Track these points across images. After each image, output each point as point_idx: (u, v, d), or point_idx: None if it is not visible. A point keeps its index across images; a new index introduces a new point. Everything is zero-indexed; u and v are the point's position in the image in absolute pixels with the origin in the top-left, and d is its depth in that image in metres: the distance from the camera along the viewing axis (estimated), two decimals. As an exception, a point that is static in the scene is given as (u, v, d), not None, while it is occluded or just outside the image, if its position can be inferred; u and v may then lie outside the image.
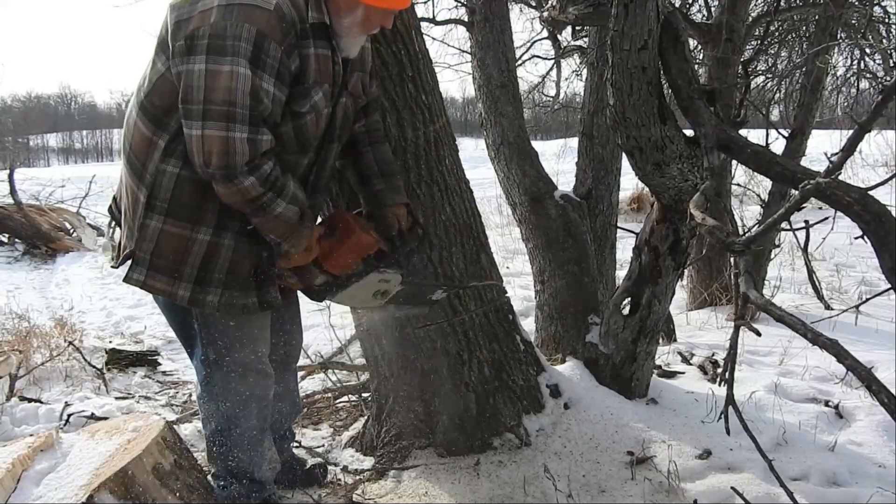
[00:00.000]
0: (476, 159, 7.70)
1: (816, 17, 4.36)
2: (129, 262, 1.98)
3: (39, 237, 7.84)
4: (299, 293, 2.25)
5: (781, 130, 3.39)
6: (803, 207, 1.64)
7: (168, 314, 2.19)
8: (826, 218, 1.99)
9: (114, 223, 2.16)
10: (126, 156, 1.98)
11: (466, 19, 3.80)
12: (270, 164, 1.84)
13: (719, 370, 3.30)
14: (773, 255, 4.69)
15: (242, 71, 1.72)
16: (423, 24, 4.22)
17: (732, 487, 2.05)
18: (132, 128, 1.95)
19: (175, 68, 1.79)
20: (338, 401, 3.25)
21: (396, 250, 2.14)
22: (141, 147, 1.92)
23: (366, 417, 2.86)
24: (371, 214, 2.20)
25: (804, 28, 5.34)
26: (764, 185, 5.93)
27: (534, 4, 5.70)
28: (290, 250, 1.97)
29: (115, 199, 2.14)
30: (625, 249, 3.60)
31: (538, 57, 7.44)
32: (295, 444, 2.81)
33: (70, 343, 3.96)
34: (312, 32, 1.85)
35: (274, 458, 2.29)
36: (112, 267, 2.10)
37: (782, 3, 4.98)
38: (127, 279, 1.97)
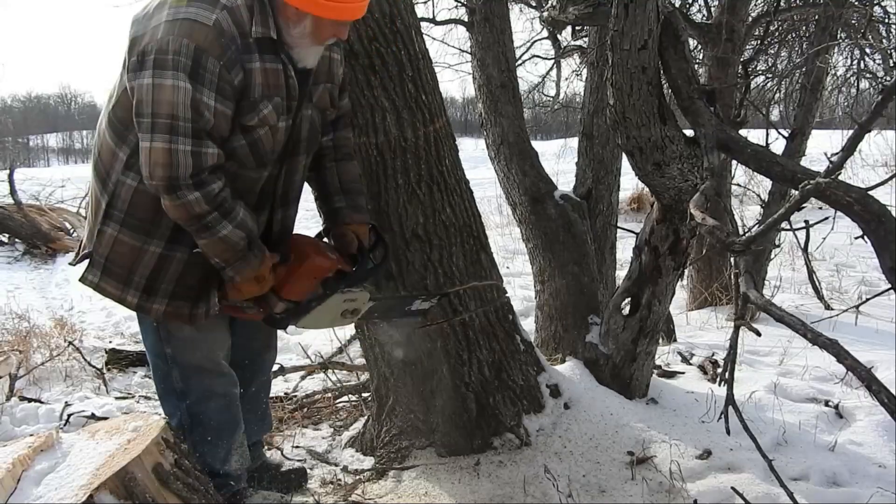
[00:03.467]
0: (476, 159, 7.70)
1: (816, 17, 4.36)
2: (85, 261, 2.04)
3: (39, 237, 7.84)
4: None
5: (781, 130, 3.39)
6: (803, 207, 1.64)
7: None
8: (826, 218, 1.98)
9: None
10: (94, 161, 2.04)
11: (466, 19, 3.79)
12: (219, 185, 1.87)
13: (719, 370, 3.30)
14: (773, 255, 4.68)
15: (183, 85, 1.76)
16: (423, 24, 4.21)
17: (732, 487, 2.05)
18: (101, 136, 2.01)
19: (129, 83, 1.84)
20: (338, 401, 3.25)
21: (359, 268, 2.08)
22: (107, 157, 1.98)
23: (366, 417, 2.86)
24: (330, 231, 2.18)
25: (804, 28, 5.34)
26: (764, 185, 5.92)
27: (534, 4, 5.70)
28: (235, 277, 1.95)
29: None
30: (625, 249, 3.60)
31: (538, 57, 7.45)
32: (294, 445, 2.81)
33: (70, 343, 3.96)
34: (258, 46, 1.86)
35: (245, 454, 2.29)
36: (70, 264, 2.16)
37: (782, 3, 4.98)
38: (82, 279, 2.04)
